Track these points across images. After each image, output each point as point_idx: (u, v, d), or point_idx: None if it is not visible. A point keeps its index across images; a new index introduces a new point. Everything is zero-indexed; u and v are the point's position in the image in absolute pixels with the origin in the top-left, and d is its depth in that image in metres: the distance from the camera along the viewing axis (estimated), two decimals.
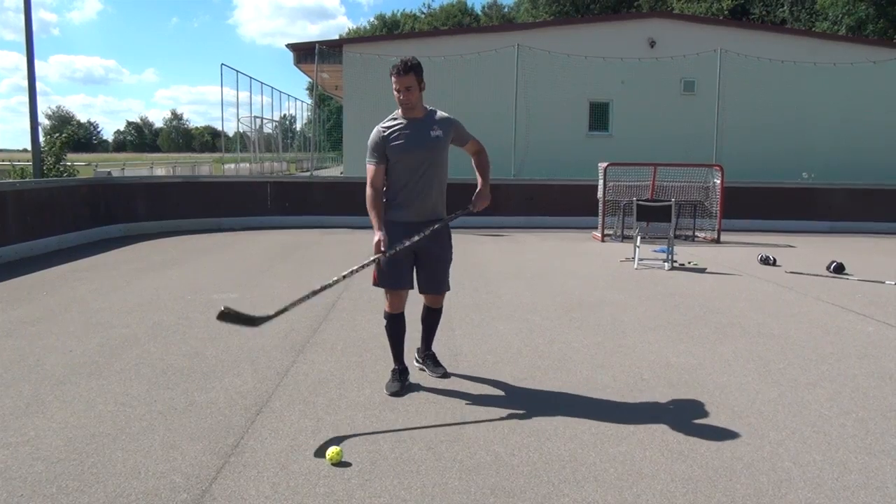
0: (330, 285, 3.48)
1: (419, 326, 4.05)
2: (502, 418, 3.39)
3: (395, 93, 3.54)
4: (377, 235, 3.49)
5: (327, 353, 4.47)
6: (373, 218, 3.55)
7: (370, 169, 3.60)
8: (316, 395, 3.68)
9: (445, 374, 3.99)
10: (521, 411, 3.49)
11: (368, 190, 3.58)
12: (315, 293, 3.46)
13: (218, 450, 2.99)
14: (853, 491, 2.69)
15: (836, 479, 2.79)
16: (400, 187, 3.64)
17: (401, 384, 3.78)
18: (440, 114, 3.69)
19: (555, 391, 3.80)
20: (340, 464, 2.88)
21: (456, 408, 3.53)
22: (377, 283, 3.69)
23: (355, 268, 3.52)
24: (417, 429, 3.26)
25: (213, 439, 3.09)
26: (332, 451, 2.92)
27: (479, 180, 3.84)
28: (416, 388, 3.82)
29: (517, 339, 4.82)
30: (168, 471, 2.79)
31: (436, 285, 3.79)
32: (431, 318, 3.98)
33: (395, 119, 3.63)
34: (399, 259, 3.60)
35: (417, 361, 4.12)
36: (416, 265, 3.74)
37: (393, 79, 3.51)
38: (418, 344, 4.14)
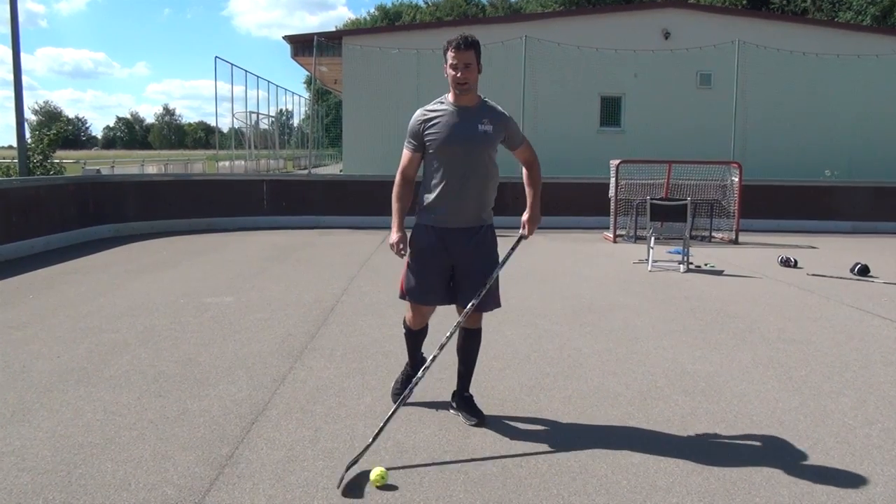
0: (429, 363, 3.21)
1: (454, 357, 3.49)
2: (509, 428, 3.30)
3: (451, 70, 3.10)
4: (394, 236, 3.18)
5: (326, 359, 4.37)
6: (394, 212, 3.22)
7: (404, 154, 3.26)
8: (314, 404, 3.59)
9: (480, 423, 3.34)
10: (529, 420, 3.40)
11: (398, 177, 3.27)
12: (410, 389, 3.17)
13: (212, 460, 2.92)
14: None
15: (861, 493, 2.71)
16: (434, 185, 3.21)
17: (408, 389, 3.59)
18: (495, 106, 3.25)
19: (564, 399, 3.71)
20: (385, 486, 2.72)
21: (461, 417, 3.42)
22: (403, 294, 3.32)
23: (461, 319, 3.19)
24: (420, 439, 3.17)
25: (206, 449, 3.02)
26: (376, 472, 2.75)
27: (529, 200, 3.39)
28: (421, 395, 3.70)
29: (525, 345, 4.73)
30: (159, 482, 2.72)
31: (479, 300, 3.19)
32: (469, 345, 3.37)
33: (442, 104, 3.22)
34: (431, 270, 3.24)
35: (452, 408, 3.49)
36: (454, 279, 3.27)
37: (450, 53, 3.08)
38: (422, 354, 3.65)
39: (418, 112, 3.25)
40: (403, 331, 3.54)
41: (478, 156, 3.19)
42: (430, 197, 3.23)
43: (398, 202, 3.23)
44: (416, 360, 3.55)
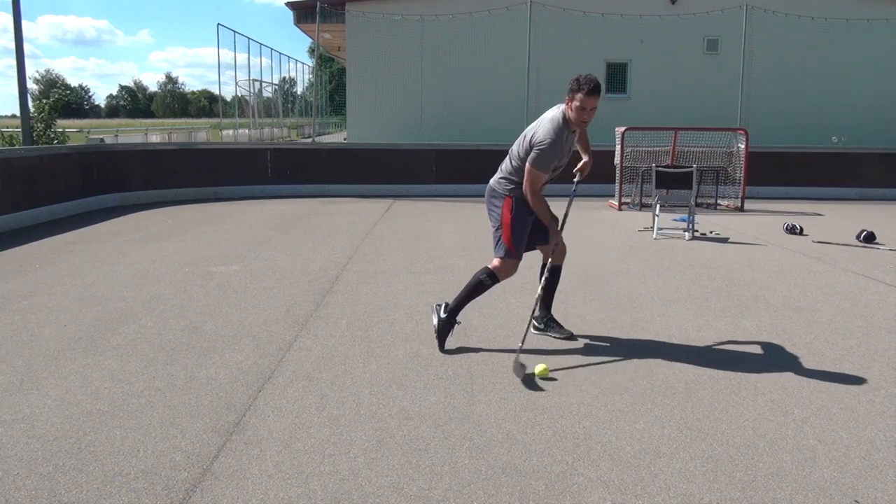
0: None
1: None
2: (514, 395, 3.31)
3: (578, 111, 3.60)
4: (557, 236, 3.93)
5: (332, 327, 4.38)
6: (549, 221, 3.91)
7: (542, 176, 3.78)
8: (320, 371, 3.60)
9: (572, 336, 4.15)
10: (533, 388, 3.41)
11: (536, 194, 3.81)
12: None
13: (219, 427, 2.94)
14: (881, 470, 2.62)
15: (864, 458, 2.71)
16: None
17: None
18: None
19: (569, 366, 3.71)
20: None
21: (466, 384, 3.45)
22: (517, 254, 3.93)
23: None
24: (426, 406, 3.18)
25: (213, 417, 3.04)
26: (540, 367, 3.46)
27: (585, 153, 4.15)
28: (426, 363, 3.74)
29: (529, 313, 4.68)
30: (168, 449, 2.75)
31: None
32: (555, 279, 4.15)
33: (566, 131, 3.73)
34: (527, 231, 3.94)
35: (538, 328, 4.22)
36: (538, 232, 4.00)
37: (580, 96, 3.57)
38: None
39: (555, 143, 3.69)
40: (486, 282, 3.97)
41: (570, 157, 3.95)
42: None
43: (548, 210, 3.89)
44: (460, 309, 4.02)
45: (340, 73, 31.32)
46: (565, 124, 3.69)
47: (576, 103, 3.58)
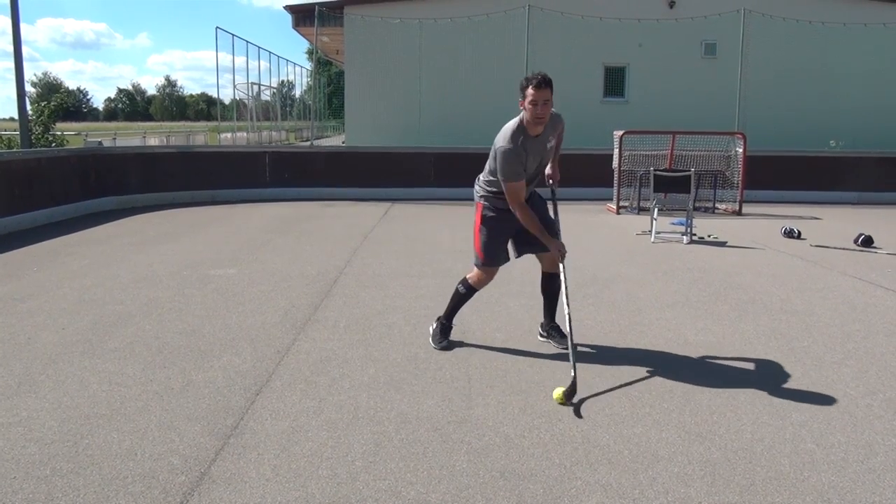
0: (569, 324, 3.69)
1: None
2: (512, 399, 3.31)
3: (530, 105, 3.52)
4: (555, 244, 3.71)
5: (329, 330, 4.37)
6: (541, 233, 3.70)
7: (516, 185, 3.63)
8: (318, 375, 3.60)
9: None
10: (531, 391, 3.40)
11: (520, 206, 3.66)
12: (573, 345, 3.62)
13: (217, 431, 2.93)
14: (879, 474, 2.62)
15: (862, 462, 2.71)
16: None
17: (448, 340, 4.02)
18: (552, 116, 3.72)
19: (567, 371, 3.67)
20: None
21: (463, 388, 3.45)
22: (486, 262, 3.90)
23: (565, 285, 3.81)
24: (424, 410, 3.17)
25: (211, 420, 3.04)
26: (558, 392, 3.26)
27: (556, 159, 4.10)
28: (424, 367, 3.73)
29: (527, 317, 4.71)
30: (165, 452, 2.74)
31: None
32: (554, 285, 4.02)
33: (521, 136, 3.63)
34: (504, 239, 3.90)
35: (542, 336, 4.17)
36: (522, 239, 3.88)
37: (530, 91, 3.50)
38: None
39: (514, 149, 3.59)
40: (461, 291, 4.01)
41: (544, 162, 3.87)
42: (500, 192, 3.74)
43: (536, 224, 3.69)
44: (454, 316, 4.10)
45: (339, 77, 31.37)
46: (521, 129, 3.63)
47: (528, 99, 3.53)
